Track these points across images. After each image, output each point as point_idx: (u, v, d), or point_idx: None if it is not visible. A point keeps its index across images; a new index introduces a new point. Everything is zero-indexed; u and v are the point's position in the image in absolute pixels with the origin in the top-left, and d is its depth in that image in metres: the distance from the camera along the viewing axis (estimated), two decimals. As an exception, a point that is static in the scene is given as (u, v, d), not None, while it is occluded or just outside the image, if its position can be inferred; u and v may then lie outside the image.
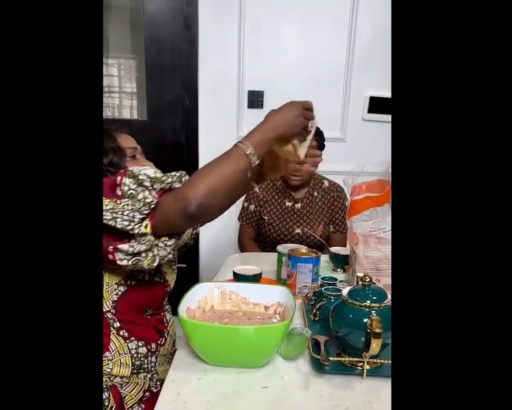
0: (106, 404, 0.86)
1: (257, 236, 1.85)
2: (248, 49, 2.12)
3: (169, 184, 0.84)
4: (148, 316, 1.00)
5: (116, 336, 0.94)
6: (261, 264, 1.20)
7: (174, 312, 0.85)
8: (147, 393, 0.93)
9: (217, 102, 2.18)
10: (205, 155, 2.22)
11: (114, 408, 0.86)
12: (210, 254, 2.36)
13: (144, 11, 2.16)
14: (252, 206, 1.80)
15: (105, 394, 0.87)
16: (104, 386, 0.88)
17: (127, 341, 0.95)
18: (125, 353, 0.94)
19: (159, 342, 1.01)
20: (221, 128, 2.20)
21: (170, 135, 2.26)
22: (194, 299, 0.89)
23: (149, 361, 0.98)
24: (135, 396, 0.90)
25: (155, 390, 0.94)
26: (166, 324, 1.05)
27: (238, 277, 1.11)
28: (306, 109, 0.94)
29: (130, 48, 2.40)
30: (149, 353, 0.98)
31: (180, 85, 2.19)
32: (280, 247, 1.26)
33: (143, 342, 0.97)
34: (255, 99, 2.16)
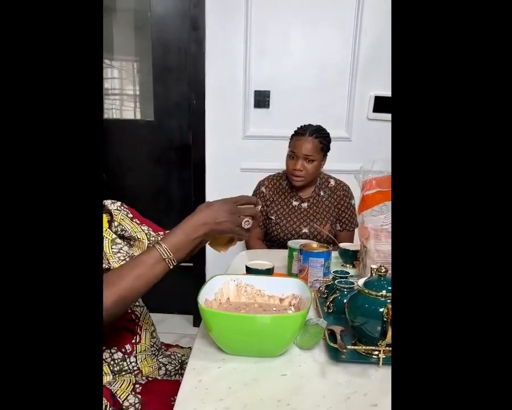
0: None
1: (264, 235, 1.87)
2: (254, 50, 2.14)
3: None
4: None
5: None
6: (270, 261, 1.21)
7: (157, 309, 0.83)
8: (137, 385, 0.92)
9: (224, 102, 2.20)
10: (212, 155, 2.25)
11: (107, 405, 0.86)
12: (216, 253, 2.37)
13: (151, 12, 2.19)
14: (259, 206, 1.81)
15: None
16: None
17: None
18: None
19: (133, 341, 0.97)
20: (227, 128, 2.22)
21: (177, 136, 2.29)
22: (211, 291, 0.91)
23: (128, 363, 0.95)
24: (126, 389, 0.90)
25: (144, 382, 0.94)
26: (137, 320, 1.00)
27: (250, 272, 1.13)
28: (243, 204, 0.91)
29: (134, 50, 2.42)
30: (126, 356, 0.95)
31: (187, 86, 2.21)
32: (291, 243, 1.28)
33: (116, 348, 0.94)
34: (262, 99, 2.18)
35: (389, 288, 0.80)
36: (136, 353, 0.98)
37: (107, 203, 1.07)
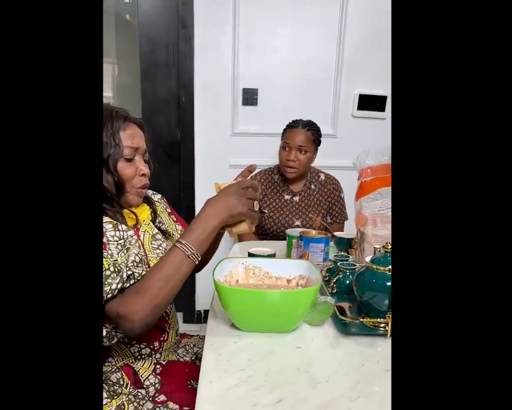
0: (121, 382, 0.87)
1: (257, 228, 1.90)
2: (242, 48, 2.17)
3: (115, 290, 0.77)
4: None
5: (117, 343, 0.90)
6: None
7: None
8: (158, 365, 0.94)
9: (212, 99, 2.22)
10: (201, 151, 2.26)
11: (128, 384, 0.88)
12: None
13: (138, 9, 2.19)
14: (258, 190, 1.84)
15: (117, 375, 0.88)
16: (116, 367, 0.90)
17: (129, 346, 0.93)
18: (128, 357, 0.93)
19: (161, 339, 0.98)
20: (216, 125, 2.24)
21: (166, 133, 2.29)
22: (221, 274, 0.93)
23: (153, 359, 0.96)
24: (148, 368, 0.92)
25: (164, 363, 0.95)
26: (167, 318, 1.00)
27: (253, 257, 1.16)
28: (246, 188, 0.89)
29: (115, 53, 2.41)
30: (153, 352, 0.96)
31: (176, 83, 2.23)
32: (289, 231, 1.32)
33: (145, 344, 0.94)
34: (250, 97, 2.22)
35: (395, 263, 0.85)
36: (162, 350, 0.98)
37: (149, 193, 1.08)
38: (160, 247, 0.97)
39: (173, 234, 1.09)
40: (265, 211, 1.84)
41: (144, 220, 0.99)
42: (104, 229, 0.84)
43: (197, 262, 0.83)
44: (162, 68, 2.23)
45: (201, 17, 2.13)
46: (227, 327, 0.87)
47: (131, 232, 0.89)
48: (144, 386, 0.88)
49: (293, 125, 1.78)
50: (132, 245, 0.86)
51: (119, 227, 0.87)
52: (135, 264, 0.83)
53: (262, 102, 2.24)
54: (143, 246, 0.94)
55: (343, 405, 0.64)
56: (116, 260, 0.80)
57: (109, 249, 0.82)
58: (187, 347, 1.08)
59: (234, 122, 2.25)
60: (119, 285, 0.77)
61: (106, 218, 0.86)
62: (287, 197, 1.85)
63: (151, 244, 0.96)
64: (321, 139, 1.84)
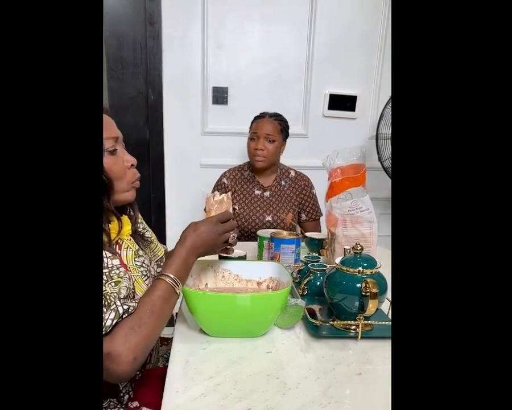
0: None
1: None
2: (212, 46, 2.14)
3: (109, 328, 0.68)
4: None
5: None
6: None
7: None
8: (138, 372, 0.89)
9: (182, 98, 2.17)
10: (171, 151, 2.22)
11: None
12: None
13: (103, 4, 2.13)
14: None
15: None
16: None
17: None
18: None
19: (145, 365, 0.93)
20: (186, 124, 2.20)
21: (134, 132, 2.23)
22: (189, 278, 0.90)
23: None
24: None
25: (143, 370, 0.91)
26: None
27: (222, 260, 1.13)
28: (223, 222, 0.88)
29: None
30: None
31: (144, 81, 2.17)
32: (260, 232, 1.30)
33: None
34: (220, 95, 2.19)
35: (365, 264, 0.84)
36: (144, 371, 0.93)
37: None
38: (144, 265, 0.89)
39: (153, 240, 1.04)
40: (236, 207, 1.81)
41: (126, 235, 0.89)
42: None
43: (179, 294, 0.79)
44: (129, 65, 2.17)
45: (168, 14, 2.09)
46: (196, 332, 0.85)
47: (116, 261, 0.79)
48: (120, 394, 0.83)
49: (260, 116, 1.83)
50: (121, 278, 0.77)
51: (104, 253, 0.77)
52: (129, 299, 0.76)
53: (233, 100, 2.21)
54: (125, 265, 0.85)
55: (314, 411, 0.63)
56: (106, 291, 0.72)
57: None
58: (165, 356, 1.02)
59: (204, 121, 2.21)
60: (114, 321, 0.68)
61: None
62: (257, 192, 1.84)
63: (134, 261, 0.87)
64: (288, 140, 1.85)
